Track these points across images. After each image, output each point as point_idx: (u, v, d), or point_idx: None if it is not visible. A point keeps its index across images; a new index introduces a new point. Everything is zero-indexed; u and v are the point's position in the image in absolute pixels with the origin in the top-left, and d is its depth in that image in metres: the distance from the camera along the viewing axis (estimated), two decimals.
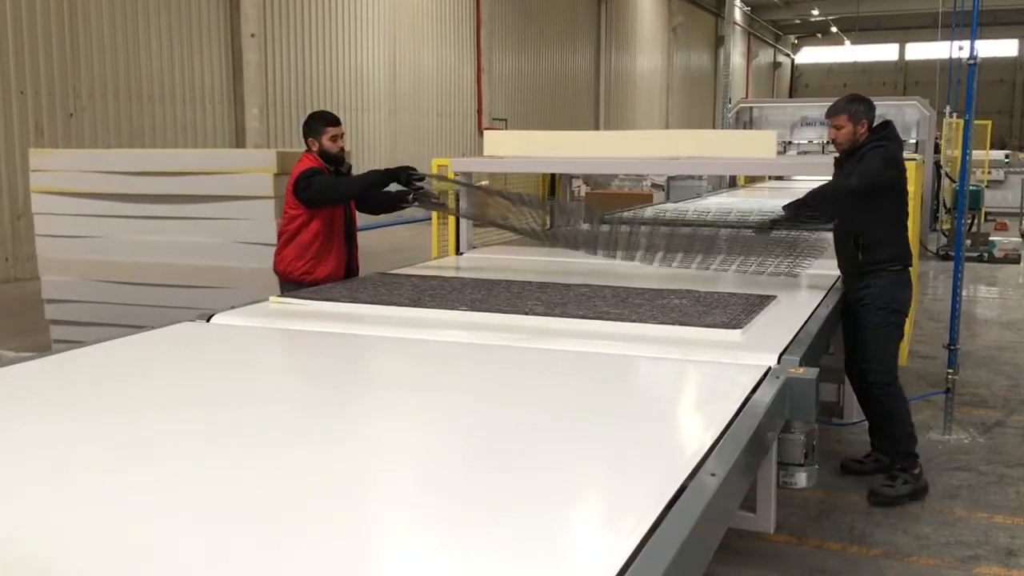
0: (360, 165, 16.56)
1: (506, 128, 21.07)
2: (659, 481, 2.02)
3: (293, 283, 4.58)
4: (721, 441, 2.30)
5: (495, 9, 21.76)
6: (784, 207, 4.48)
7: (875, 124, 4.34)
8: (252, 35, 13.85)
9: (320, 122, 4.74)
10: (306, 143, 4.78)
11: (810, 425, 2.91)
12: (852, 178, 4.20)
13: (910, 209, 4.85)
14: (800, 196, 4.49)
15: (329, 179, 4.63)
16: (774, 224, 4.62)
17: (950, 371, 5.33)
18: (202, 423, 2.49)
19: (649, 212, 8.61)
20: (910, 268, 4.44)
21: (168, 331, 3.55)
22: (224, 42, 13.88)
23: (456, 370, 3.16)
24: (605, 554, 1.70)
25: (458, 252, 5.63)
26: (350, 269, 4.89)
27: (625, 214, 5.39)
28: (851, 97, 4.39)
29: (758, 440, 2.47)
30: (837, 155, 4.49)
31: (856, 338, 4.34)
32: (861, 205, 4.24)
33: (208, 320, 3.71)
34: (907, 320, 4.52)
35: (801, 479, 2.88)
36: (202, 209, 6.11)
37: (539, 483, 2.06)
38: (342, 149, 4.77)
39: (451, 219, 5.80)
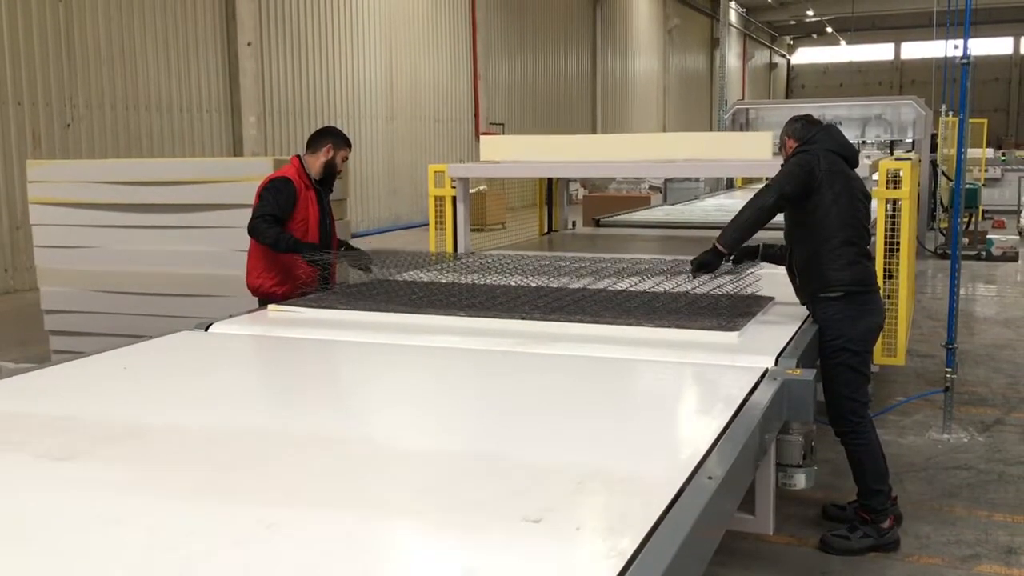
0: (359, 172, 16.59)
1: (503, 132, 21.11)
2: (657, 484, 2.03)
3: (266, 299, 4.44)
4: (719, 443, 2.31)
5: (490, 14, 21.80)
6: (715, 244, 3.80)
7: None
8: (248, 44, 13.86)
9: (343, 141, 4.78)
10: (314, 148, 4.71)
11: (808, 426, 2.92)
12: (759, 196, 3.76)
13: (906, 213, 4.78)
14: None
15: (267, 207, 4.48)
16: (701, 269, 3.90)
17: (948, 370, 5.33)
18: (201, 431, 2.50)
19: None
20: (867, 293, 3.77)
21: (166, 340, 3.56)
22: (220, 51, 13.90)
23: (455, 376, 3.17)
24: (604, 556, 1.71)
25: (455, 256, 5.63)
26: (327, 281, 4.65)
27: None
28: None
29: (756, 442, 2.48)
30: None
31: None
32: (790, 224, 3.84)
33: (206, 329, 3.71)
34: (867, 358, 3.85)
35: (800, 480, 2.89)
36: (200, 218, 6.12)
37: (537, 486, 2.07)
38: (340, 171, 4.83)
39: (448, 224, 5.81)
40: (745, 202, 3.86)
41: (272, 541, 1.80)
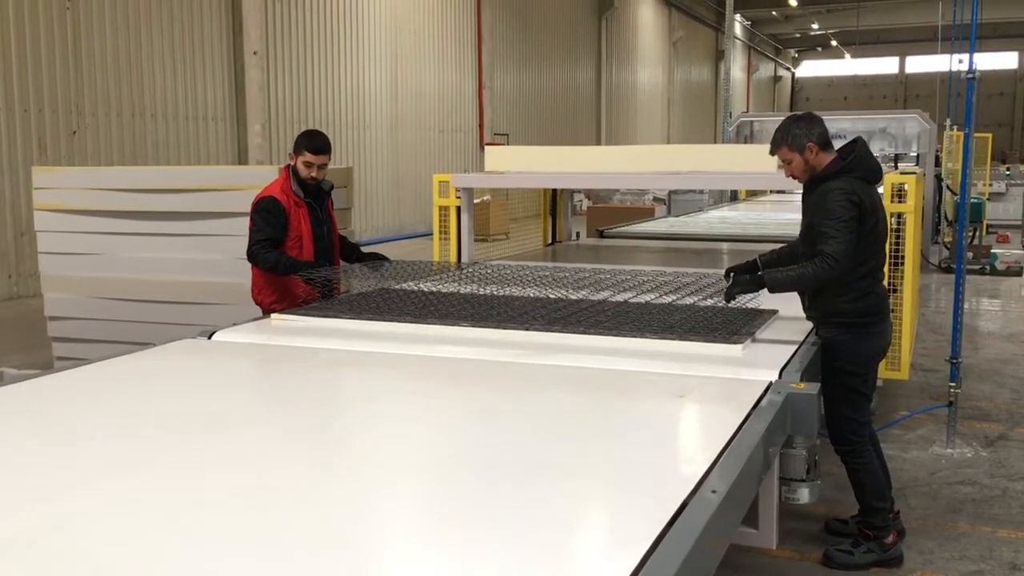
0: (363, 181, 16.61)
1: (508, 143, 21.14)
2: (660, 498, 2.02)
3: (270, 312, 4.38)
4: (722, 457, 2.31)
5: (496, 25, 21.87)
6: (764, 277, 3.72)
7: (844, 144, 3.71)
8: (255, 53, 13.91)
9: (303, 143, 4.55)
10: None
11: (812, 440, 2.91)
12: (827, 251, 3.53)
13: (910, 227, 4.76)
14: (776, 272, 3.75)
15: (261, 232, 4.44)
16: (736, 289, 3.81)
17: (952, 384, 5.31)
18: (205, 439, 2.49)
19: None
20: (875, 321, 3.73)
21: (170, 348, 3.56)
22: (227, 60, 13.95)
23: (458, 387, 3.16)
24: (607, 571, 1.70)
25: (459, 266, 5.63)
26: (328, 296, 4.53)
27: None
28: (784, 123, 3.72)
29: (759, 456, 2.47)
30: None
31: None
32: (810, 248, 3.70)
33: (210, 337, 3.71)
34: (868, 380, 3.81)
35: (803, 495, 2.87)
36: (205, 226, 6.13)
37: (540, 501, 2.06)
38: (314, 179, 4.55)
39: (452, 233, 5.82)
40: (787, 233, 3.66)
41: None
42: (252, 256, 4.52)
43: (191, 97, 13.32)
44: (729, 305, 3.86)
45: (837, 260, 3.53)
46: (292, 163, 4.59)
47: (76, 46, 11.43)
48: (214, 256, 6.07)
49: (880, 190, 4.87)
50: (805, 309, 3.87)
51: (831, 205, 3.57)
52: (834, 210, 3.55)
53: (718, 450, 2.35)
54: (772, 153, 3.79)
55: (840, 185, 3.59)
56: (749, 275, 3.84)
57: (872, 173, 3.73)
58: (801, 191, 3.87)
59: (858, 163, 3.66)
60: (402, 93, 18.48)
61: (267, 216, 4.48)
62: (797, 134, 3.66)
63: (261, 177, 6.03)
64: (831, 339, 3.70)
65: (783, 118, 3.84)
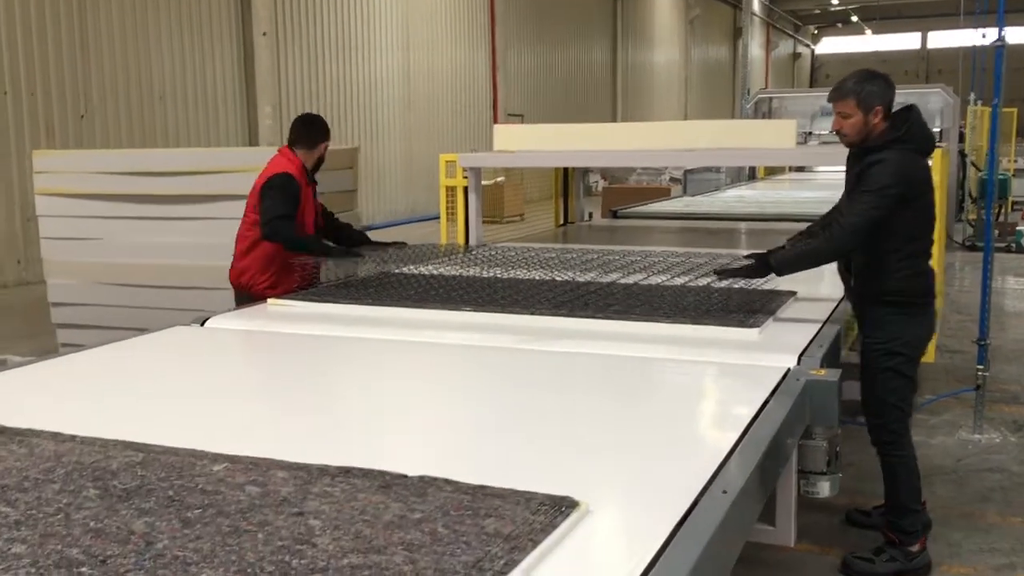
0: (376, 163, 16.48)
1: (523, 123, 20.93)
2: (672, 493, 1.89)
3: (252, 298, 4.21)
4: (737, 450, 2.16)
5: (509, 4, 21.61)
6: (769, 258, 3.49)
7: (896, 111, 3.43)
8: (264, 34, 13.75)
9: (326, 131, 4.58)
10: (309, 144, 4.50)
11: (833, 430, 2.73)
12: (842, 222, 3.38)
13: (936, 204, 4.55)
14: (787, 248, 3.59)
15: (282, 207, 4.28)
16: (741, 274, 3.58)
17: (980, 367, 5.12)
18: (189, 434, 2.36)
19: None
20: (924, 303, 3.49)
21: (159, 336, 3.43)
22: (236, 41, 13.82)
23: (459, 376, 3.03)
24: (617, 570, 1.60)
25: (467, 248, 5.48)
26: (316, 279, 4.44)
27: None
28: (861, 75, 3.41)
29: (776, 448, 2.31)
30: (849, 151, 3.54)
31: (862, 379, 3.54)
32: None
33: (202, 324, 3.58)
34: (916, 364, 3.57)
35: (824, 488, 2.70)
36: (213, 208, 5.98)
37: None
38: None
39: (460, 215, 5.66)
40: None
41: None
42: (275, 233, 4.27)
43: (200, 79, 13.20)
44: (733, 286, 3.65)
45: (845, 232, 3.34)
46: (320, 154, 4.55)
47: (83, 28, 11.33)
48: (222, 240, 5.92)
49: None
50: (848, 287, 3.63)
51: (875, 175, 3.32)
52: (875, 181, 3.30)
53: (732, 442, 2.19)
54: (831, 100, 3.43)
55: (891, 156, 3.32)
56: (755, 258, 3.55)
57: (927, 143, 3.47)
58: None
59: (912, 134, 3.37)
60: (414, 73, 18.29)
61: (284, 193, 4.30)
62: (872, 91, 3.34)
63: (270, 157, 5.89)
64: (881, 319, 3.44)
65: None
